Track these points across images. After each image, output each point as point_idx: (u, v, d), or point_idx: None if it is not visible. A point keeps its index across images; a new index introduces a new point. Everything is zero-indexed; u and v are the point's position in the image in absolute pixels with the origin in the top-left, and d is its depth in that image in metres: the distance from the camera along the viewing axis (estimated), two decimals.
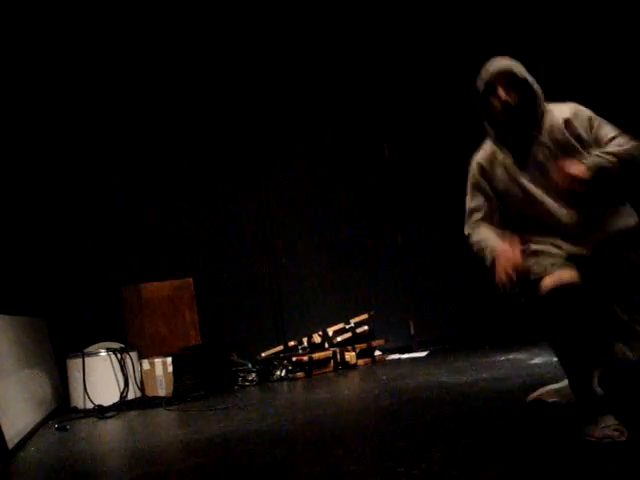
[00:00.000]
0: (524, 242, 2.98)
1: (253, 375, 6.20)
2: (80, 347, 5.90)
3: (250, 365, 6.29)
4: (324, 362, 6.37)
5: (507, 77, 3.19)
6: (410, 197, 7.61)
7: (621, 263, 2.98)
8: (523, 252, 2.92)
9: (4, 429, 4.07)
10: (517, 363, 5.16)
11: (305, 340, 6.65)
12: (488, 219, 3.23)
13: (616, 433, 2.67)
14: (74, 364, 5.83)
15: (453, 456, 2.83)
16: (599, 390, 2.85)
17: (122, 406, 5.64)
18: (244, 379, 6.16)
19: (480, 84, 3.36)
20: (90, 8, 6.80)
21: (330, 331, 6.66)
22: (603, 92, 7.56)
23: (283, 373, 6.25)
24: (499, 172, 3.22)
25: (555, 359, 4.96)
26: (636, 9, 7.14)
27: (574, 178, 2.90)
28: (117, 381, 5.86)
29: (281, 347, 6.76)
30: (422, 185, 7.67)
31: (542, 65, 7.72)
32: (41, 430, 4.97)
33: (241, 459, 3.38)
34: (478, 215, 3.25)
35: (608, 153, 2.95)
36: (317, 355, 6.33)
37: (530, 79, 3.19)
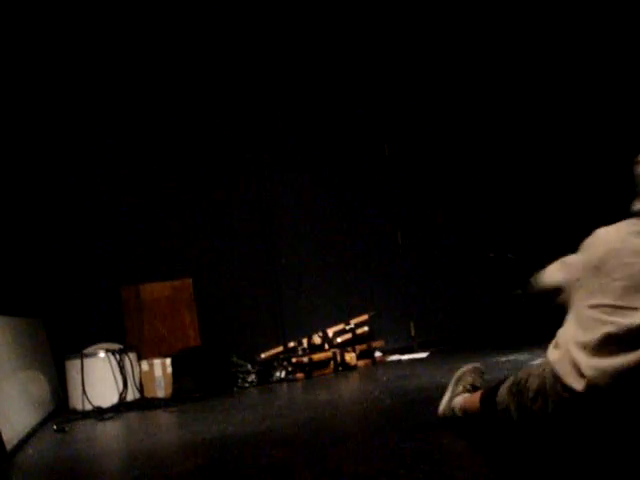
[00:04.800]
0: None
1: (253, 376, 6.18)
2: (79, 348, 5.87)
3: (250, 366, 6.27)
4: (324, 363, 6.34)
5: None
6: (410, 196, 7.60)
7: None
8: None
9: (2, 431, 4.05)
10: (518, 364, 5.14)
11: (305, 341, 6.64)
12: None
13: None
14: (73, 365, 5.81)
15: (454, 457, 2.81)
16: None
17: (121, 407, 5.62)
18: (243, 380, 6.14)
19: None
20: (88, 8, 6.78)
21: (330, 332, 6.64)
22: (602, 93, 7.56)
23: (283, 374, 6.22)
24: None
25: None
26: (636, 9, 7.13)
27: None
28: (116, 382, 5.83)
29: (281, 348, 6.74)
30: (422, 184, 7.66)
31: (541, 66, 7.74)
32: (40, 432, 4.94)
33: (241, 460, 3.36)
34: None
35: None
36: (317, 356, 6.31)
37: None
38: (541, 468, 2.51)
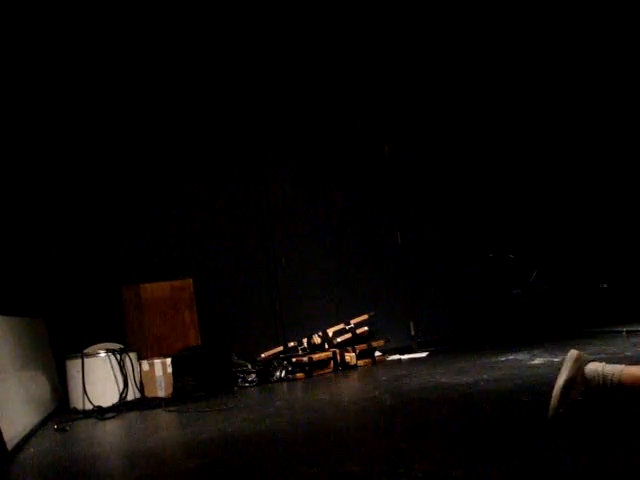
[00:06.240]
0: None
1: (253, 376, 6.19)
2: (79, 348, 5.88)
3: (250, 366, 6.28)
4: (324, 363, 6.36)
5: None
6: (410, 196, 7.61)
7: None
8: None
9: (3, 430, 4.06)
10: (517, 364, 5.15)
11: (305, 341, 6.64)
12: None
13: None
14: (73, 365, 5.82)
15: (453, 456, 2.82)
16: None
17: (121, 407, 5.63)
18: (244, 380, 6.15)
19: None
20: (88, 6, 6.79)
21: (330, 332, 6.65)
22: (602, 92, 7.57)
23: (283, 374, 6.24)
24: None
25: (556, 360, 4.97)
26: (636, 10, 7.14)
27: None
28: (116, 382, 5.85)
29: (281, 348, 6.76)
30: (422, 184, 7.67)
31: (541, 66, 7.75)
32: (40, 431, 4.95)
33: (241, 460, 3.37)
34: None
35: None
36: (317, 356, 6.32)
37: None
38: (540, 468, 2.52)
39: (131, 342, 6.27)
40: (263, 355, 6.62)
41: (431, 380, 5.04)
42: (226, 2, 7.21)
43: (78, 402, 5.79)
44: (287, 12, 7.42)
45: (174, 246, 6.90)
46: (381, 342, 6.80)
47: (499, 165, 7.78)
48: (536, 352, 5.57)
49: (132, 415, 5.35)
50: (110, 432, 4.94)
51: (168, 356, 6.05)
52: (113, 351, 5.89)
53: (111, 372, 5.83)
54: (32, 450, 4.29)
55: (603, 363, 3.01)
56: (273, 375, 6.22)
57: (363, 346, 6.61)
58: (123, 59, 6.87)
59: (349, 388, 5.66)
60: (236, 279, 7.05)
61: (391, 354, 6.98)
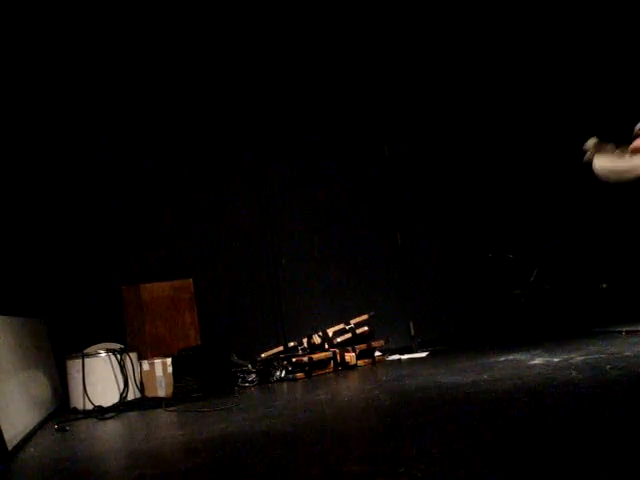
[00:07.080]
0: None
1: (253, 376, 6.19)
2: (80, 348, 5.89)
3: (250, 366, 6.29)
4: (324, 363, 6.36)
5: None
6: (410, 197, 7.62)
7: None
8: None
9: (4, 430, 4.06)
10: (517, 364, 5.16)
11: (305, 341, 6.65)
12: None
13: None
14: (74, 365, 5.83)
15: (453, 456, 2.82)
16: None
17: (122, 407, 5.64)
18: (244, 380, 6.16)
19: None
20: (89, 6, 6.79)
21: (330, 332, 6.66)
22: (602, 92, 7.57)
23: (283, 374, 6.24)
24: None
25: (555, 360, 4.98)
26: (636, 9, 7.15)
27: None
28: (117, 382, 5.85)
29: (281, 348, 6.76)
30: (422, 185, 7.68)
31: (540, 67, 7.75)
32: (41, 431, 4.96)
33: (241, 460, 3.37)
34: None
35: None
36: (317, 356, 6.32)
37: None
38: (540, 468, 2.52)
39: (131, 342, 6.27)
40: (263, 355, 6.63)
41: (431, 380, 5.04)
42: (226, 9, 7.21)
43: (78, 402, 5.79)
44: (287, 15, 7.42)
45: (174, 246, 6.90)
46: (381, 342, 6.80)
47: (499, 165, 7.78)
48: (536, 352, 5.57)
49: (132, 415, 5.36)
50: (110, 432, 4.94)
51: (168, 356, 6.05)
52: (113, 351, 5.89)
53: (111, 372, 5.84)
54: (32, 450, 4.30)
55: None
56: (273, 375, 6.23)
57: (363, 346, 6.61)
58: (126, 62, 6.88)
59: (349, 388, 5.67)
60: (236, 279, 7.06)
61: (391, 354, 6.99)
